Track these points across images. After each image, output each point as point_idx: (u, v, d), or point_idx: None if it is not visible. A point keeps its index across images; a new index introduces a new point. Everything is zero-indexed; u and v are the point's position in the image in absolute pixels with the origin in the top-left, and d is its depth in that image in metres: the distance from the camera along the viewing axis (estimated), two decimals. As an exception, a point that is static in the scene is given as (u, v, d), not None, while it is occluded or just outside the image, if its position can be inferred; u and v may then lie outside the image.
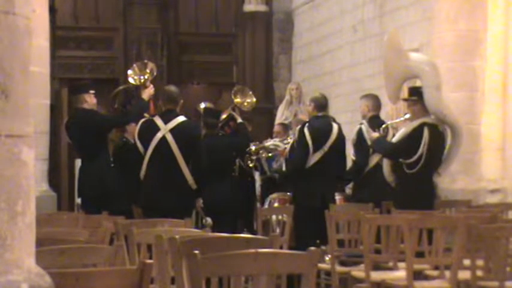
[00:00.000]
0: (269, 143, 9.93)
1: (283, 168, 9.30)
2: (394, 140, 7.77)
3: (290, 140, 9.49)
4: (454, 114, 7.79)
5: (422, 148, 7.45)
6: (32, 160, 2.59)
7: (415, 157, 7.45)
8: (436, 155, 7.61)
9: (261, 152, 9.70)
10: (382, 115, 9.00)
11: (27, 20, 2.59)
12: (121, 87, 9.17)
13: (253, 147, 9.67)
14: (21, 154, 2.54)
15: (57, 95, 13.09)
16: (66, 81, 13.62)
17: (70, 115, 9.04)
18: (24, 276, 2.49)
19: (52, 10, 10.62)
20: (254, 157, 9.66)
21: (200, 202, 7.95)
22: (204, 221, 8.20)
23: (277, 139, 10.19)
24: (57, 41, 12.89)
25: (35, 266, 2.58)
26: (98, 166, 8.21)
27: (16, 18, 2.54)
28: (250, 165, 9.73)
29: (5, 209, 2.48)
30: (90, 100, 8.28)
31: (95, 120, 8.15)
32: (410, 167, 7.49)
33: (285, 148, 9.53)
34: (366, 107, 8.62)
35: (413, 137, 7.50)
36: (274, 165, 9.75)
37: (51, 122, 10.03)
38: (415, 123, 7.57)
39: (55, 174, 11.84)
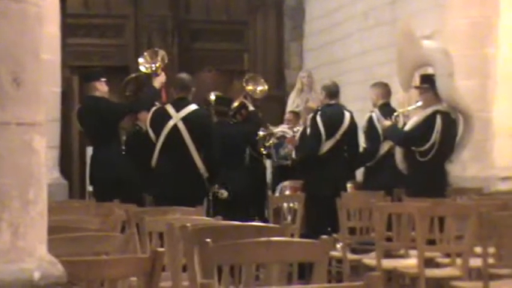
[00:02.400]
0: (277, 129, 9.93)
1: (293, 155, 9.29)
2: (407, 128, 7.75)
3: (299, 128, 9.49)
4: (466, 102, 7.76)
5: (435, 136, 7.43)
6: (44, 148, 2.59)
7: (428, 145, 7.44)
8: (449, 143, 7.59)
9: (268, 138, 9.70)
10: (393, 103, 8.98)
11: (38, 7, 2.59)
12: (132, 75, 9.17)
13: (260, 133, 9.67)
14: (33, 142, 2.54)
15: (68, 83, 13.09)
16: (76, 69, 13.61)
17: (81, 103, 9.04)
18: (36, 264, 2.49)
19: (63, -2, 10.60)
20: (267, 144, 9.66)
21: (215, 187, 7.99)
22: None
23: (285, 126, 10.18)
24: (68, 28, 12.88)
25: (47, 254, 2.59)
26: (110, 154, 8.21)
27: (27, 6, 2.54)
28: (264, 152, 9.73)
29: (17, 197, 2.48)
30: (101, 88, 8.28)
31: (106, 107, 8.15)
32: (422, 154, 7.48)
33: (293, 136, 9.52)
34: (375, 96, 8.62)
35: (426, 125, 7.48)
36: (282, 152, 9.74)
37: (62, 110, 10.03)
38: (428, 111, 7.55)
39: (66, 162, 11.84)
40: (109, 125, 8.21)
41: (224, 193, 8.37)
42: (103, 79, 8.35)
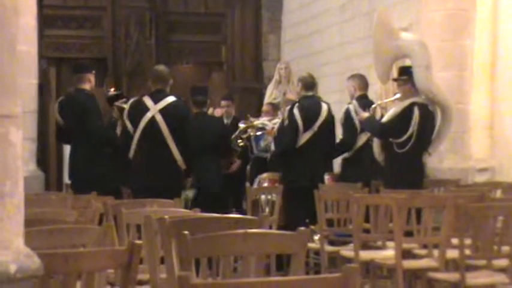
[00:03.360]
0: (257, 121, 9.93)
1: (272, 147, 9.29)
2: (384, 119, 7.77)
3: (278, 120, 9.49)
4: (444, 94, 7.79)
5: (413, 128, 7.46)
6: (20, 141, 2.58)
7: (405, 136, 7.46)
8: (426, 135, 7.62)
9: (249, 130, 9.70)
10: (371, 95, 9.00)
11: (14, -2, 2.57)
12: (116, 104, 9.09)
13: (242, 125, 9.67)
14: (9, 135, 2.52)
15: (45, 74, 13.02)
16: (54, 61, 13.55)
17: (68, 94, 8.90)
18: (12, 257, 2.48)
19: (39, -11, 10.52)
20: (244, 136, 9.65)
21: (189, 181, 7.96)
22: (184, 194, 8.14)
23: (265, 118, 10.18)
24: (45, 19, 12.80)
25: (24, 246, 2.57)
26: (89, 149, 8.19)
27: (2, -3, 2.52)
28: (241, 144, 9.72)
29: (-7, 190, 2.47)
30: (93, 80, 8.33)
31: (89, 118, 8.14)
32: (400, 146, 7.51)
33: (273, 127, 9.52)
34: (353, 87, 8.63)
35: (404, 116, 7.51)
36: (262, 144, 9.75)
37: (40, 102, 9.96)
38: (405, 102, 7.58)
39: (43, 154, 11.79)
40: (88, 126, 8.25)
41: (190, 194, 8.28)
42: (93, 71, 8.41)
